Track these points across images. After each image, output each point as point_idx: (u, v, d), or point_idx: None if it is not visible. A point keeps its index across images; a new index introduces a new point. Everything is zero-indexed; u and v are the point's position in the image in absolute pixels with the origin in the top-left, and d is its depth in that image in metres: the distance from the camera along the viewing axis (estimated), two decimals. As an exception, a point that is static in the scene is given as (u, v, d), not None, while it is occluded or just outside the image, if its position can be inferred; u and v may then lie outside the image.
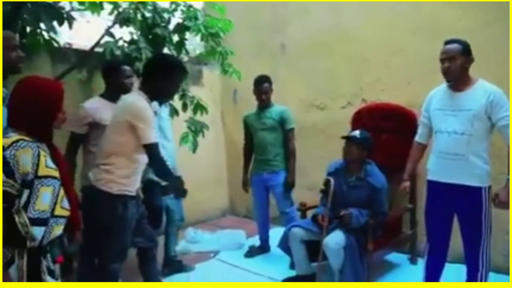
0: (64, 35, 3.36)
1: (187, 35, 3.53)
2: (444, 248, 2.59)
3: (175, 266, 3.38)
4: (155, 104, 2.70)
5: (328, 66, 4.08)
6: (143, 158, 2.34)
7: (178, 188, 2.51)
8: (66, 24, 2.76)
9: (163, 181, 2.77)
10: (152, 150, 2.26)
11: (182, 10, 3.38)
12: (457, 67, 2.34)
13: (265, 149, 3.55)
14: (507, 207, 2.29)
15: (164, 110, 3.12)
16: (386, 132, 3.38)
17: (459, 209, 2.44)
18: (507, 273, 3.10)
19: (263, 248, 3.75)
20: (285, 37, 4.45)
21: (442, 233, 2.55)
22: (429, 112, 2.56)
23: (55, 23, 2.71)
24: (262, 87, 3.54)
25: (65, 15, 2.75)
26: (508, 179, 2.28)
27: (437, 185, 2.50)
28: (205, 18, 3.32)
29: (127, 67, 2.77)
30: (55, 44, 2.97)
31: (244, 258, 3.69)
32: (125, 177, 2.28)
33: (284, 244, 3.02)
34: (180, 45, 3.39)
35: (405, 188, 2.72)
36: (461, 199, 2.40)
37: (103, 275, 2.32)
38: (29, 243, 1.54)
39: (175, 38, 3.43)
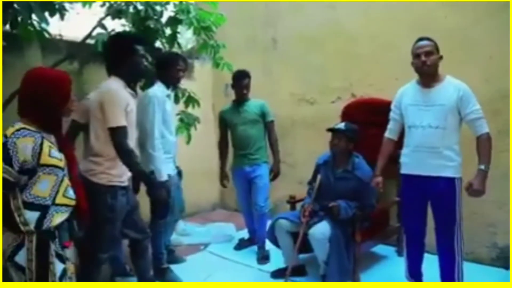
0: (59, 27, 3.36)
1: (180, 28, 3.53)
2: (421, 238, 2.68)
3: (168, 256, 3.37)
4: (160, 95, 2.90)
5: (319, 61, 4.12)
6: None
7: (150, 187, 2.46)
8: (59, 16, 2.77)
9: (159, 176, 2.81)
10: (115, 135, 2.20)
11: (174, 4, 3.38)
12: (433, 61, 2.45)
13: (247, 143, 3.55)
14: (480, 194, 2.45)
15: (169, 103, 3.06)
16: (374, 126, 3.41)
17: (434, 199, 2.54)
18: (491, 264, 3.19)
19: (252, 240, 3.78)
20: (277, 31, 4.48)
21: (419, 224, 2.64)
22: (401, 108, 2.65)
23: (46, 14, 2.70)
24: (244, 82, 3.57)
25: (57, 6, 2.75)
26: (481, 169, 2.42)
27: (412, 178, 2.58)
28: (197, 11, 3.32)
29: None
30: (47, 35, 2.95)
31: (234, 250, 3.73)
32: (113, 168, 2.29)
33: (271, 235, 3.07)
34: (173, 38, 3.39)
35: (378, 184, 2.74)
36: (436, 190, 2.49)
37: (89, 264, 2.35)
38: (22, 227, 1.58)
39: (168, 31, 3.43)
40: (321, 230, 2.79)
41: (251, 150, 3.55)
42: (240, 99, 3.61)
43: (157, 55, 3.23)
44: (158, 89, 2.98)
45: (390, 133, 2.79)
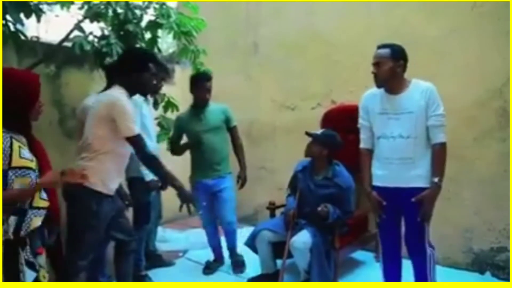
0: (38, 29, 3.30)
1: (160, 33, 3.50)
2: (398, 250, 2.59)
3: (155, 260, 3.42)
4: (137, 99, 2.78)
5: (299, 67, 4.14)
6: (121, 156, 2.34)
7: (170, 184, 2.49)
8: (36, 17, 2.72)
9: (146, 177, 2.93)
10: (136, 142, 2.27)
11: (154, 8, 3.35)
12: (383, 72, 2.33)
13: (212, 152, 3.26)
14: (427, 217, 2.35)
15: (146, 107, 3.04)
16: (354, 133, 3.44)
17: (407, 210, 2.41)
18: (467, 269, 3.24)
19: (218, 259, 3.52)
20: (258, 36, 4.49)
21: (395, 237, 2.55)
22: (369, 116, 2.49)
23: (22, 15, 2.64)
24: (208, 85, 3.27)
25: (32, 7, 2.69)
26: (434, 182, 2.30)
27: (385, 190, 2.45)
28: (177, 16, 3.30)
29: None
30: (22, 37, 2.89)
31: (210, 258, 3.54)
32: (100, 174, 2.25)
33: (251, 243, 3.04)
34: (152, 42, 3.36)
35: (380, 202, 2.48)
36: (408, 201, 2.34)
37: (67, 270, 2.28)
38: (3, 236, 1.53)
39: (148, 35, 3.40)
40: (302, 239, 2.77)
41: (216, 160, 3.27)
42: (201, 104, 3.29)
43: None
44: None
45: (365, 143, 2.58)
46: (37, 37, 3.45)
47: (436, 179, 2.30)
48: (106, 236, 2.48)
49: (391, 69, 2.32)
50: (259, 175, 4.49)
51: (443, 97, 3.13)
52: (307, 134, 3.01)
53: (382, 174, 2.45)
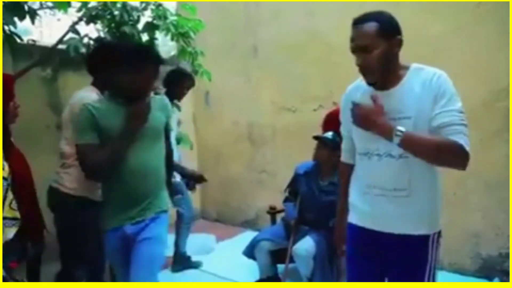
0: (43, 34, 3.27)
1: (158, 35, 3.44)
2: None
3: (184, 262, 3.43)
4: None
5: (299, 69, 4.07)
6: None
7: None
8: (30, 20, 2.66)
9: None
10: (77, 152, 1.88)
11: (152, 9, 3.29)
12: (375, 60, 1.50)
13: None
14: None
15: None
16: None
17: (394, 266, 1.63)
18: (474, 275, 3.14)
19: None
20: (258, 38, 4.42)
21: None
22: (349, 122, 1.65)
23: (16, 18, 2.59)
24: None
25: (27, 10, 2.64)
26: (397, 133, 1.46)
27: (363, 232, 1.66)
28: (175, 17, 3.24)
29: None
30: (18, 40, 2.84)
31: (210, 263, 3.53)
32: (81, 179, 2.16)
33: (249, 252, 2.95)
34: (150, 44, 3.30)
35: (342, 252, 1.87)
36: (398, 253, 1.59)
37: (64, 281, 2.21)
38: None
39: (145, 37, 3.34)
40: (305, 246, 2.69)
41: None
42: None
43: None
44: None
45: (346, 156, 1.84)
46: (34, 41, 3.41)
47: (399, 133, 1.42)
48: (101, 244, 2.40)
49: (385, 54, 1.50)
50: (260, 179, 4.42)
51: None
52: (316, 138, 2.91)
53: (360, 209, 1.68)
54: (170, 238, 3.95)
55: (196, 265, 3.51)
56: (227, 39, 4.65)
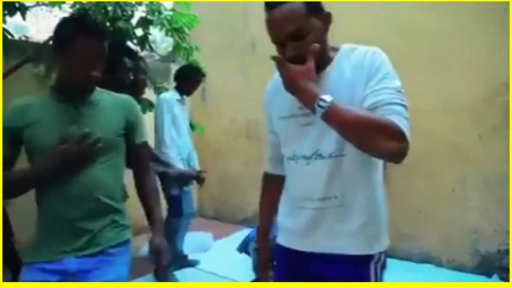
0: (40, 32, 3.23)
1: (153, 30, 3.39)
2: None
3: (181, 261, 3.38)
4: (171, 98, 3.09)
5: (297, 65, 4.02)
6: None
7: None
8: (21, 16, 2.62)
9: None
10: None
11: (146, 4, 3.24)
12: (307, 46, 1.15)
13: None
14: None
15: (178, 107, 3.20)
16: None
17: None
18: (473, 272, 3.11)
19: None
20: (256, 34, 4.37)
21: None
22: (272, 121, 1.39)
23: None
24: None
25: (17, 6, 2.60)
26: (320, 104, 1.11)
27: (292, 255, 1.35)
28: (169, 12, 3.19)
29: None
30: (9, 36, 2.80)
31: (207, 262, 3.53)
32: None
33: (244, 248, 2.91)
34: (144, 39, 3.25)
35: (263, 260, 1.59)
36: (334, 278, 1.26)
37: None
38: None
39: (139, 32, 3.29)
40: None
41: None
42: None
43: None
44: (169, 94, 3.22)
45: (270, 166, 1.52)
46: (26, 37, 3.37)
47: (323, 103, 1.08)
48: None
49: (321, 34, 1.23)
50: (258, 176, 4.36)
51: (447, 94, 3.01)
52: None
53: (287, 227, 1.37)
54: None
55: (193, 264, 3.48)
56: (224, 36, 4.60)
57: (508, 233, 2.95)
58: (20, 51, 3.16)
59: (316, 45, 1.14)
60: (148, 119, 3.14)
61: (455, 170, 3.13)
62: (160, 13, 3.10)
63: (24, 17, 2.69)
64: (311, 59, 1.14)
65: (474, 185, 3.07)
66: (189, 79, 3.34)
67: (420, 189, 3.30)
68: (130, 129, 1.55)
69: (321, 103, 1.08)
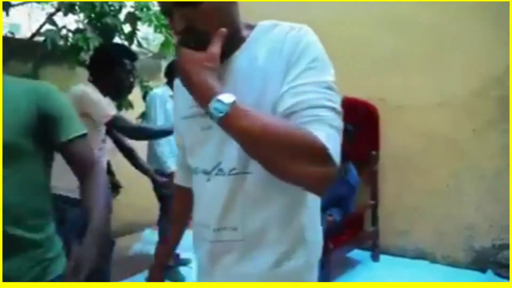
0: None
1: (146, 27, 3.33)
2: None
3: (173, 260, 3.25)
4: (164, 94, 3.01)
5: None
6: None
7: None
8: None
9: (167, 170, 2.93)
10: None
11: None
12: (208, 15, 0.82)
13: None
14: None
15: (171, 103, 3.05)
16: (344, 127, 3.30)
17: None
18: (467, 268, 3.09)
19: None
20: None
21: None
22: (177, 123, 1.09)
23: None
24: None
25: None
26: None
27: None
28: (158, 8, 3.13)
29: None
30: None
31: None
32: (59, 176, 2.07)
33: None
34: (132, 35, 3.19)
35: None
36: None
37: None
38: None
39: (127, 28, 3.23)
40: None
41: None
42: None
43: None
44: (161, 90, 3.13)
45: (180, 176, 1.20)
46: (12, 33, 3.30)
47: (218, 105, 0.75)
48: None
49: (219, 3, 0.84)
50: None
51: (441, 89, 2.97)
52: None
53: (196, 263, 1.07)
54: (154, 235, 3.91)
55: (185, 263, 3.43)
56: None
57: (502, 228, 2.93)
58: (7, 48, 3.09)
59: (224, 29, 0.82)
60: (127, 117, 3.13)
61: (450, 166, 3.10)
62: (148, 9, 3.04)
63: (7, 13, 2.62)
64: (217, 43, 0.81)
65: (468, 180, 3.05)
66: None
67: (414, 185, 3.27)
68: (50, 124, 1.13)
69: (217, 105, 0.75)
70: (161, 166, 2.96)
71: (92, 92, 2.07)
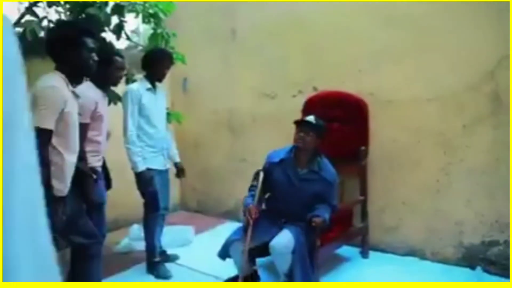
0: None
1: (131, 18, 3.24)
2: None
3: (160, 256, 3.24)
4: (138, 88, 2.95)
5: (280, 53, 3.90)
6: (67, 149, 2.08)
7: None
8: None
9: (135, 169, 2.93)
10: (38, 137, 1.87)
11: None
12: None
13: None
14: None
15: (148, 96, 3.01)
16: (337, 121, 3.25)
17: None
18: (457, 264, 3.06)
19: None
20: (237, 22, 4.24)
21: None
22: None
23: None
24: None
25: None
26: None
27: None
28: (143, -2, 3.04)
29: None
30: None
31: (187, 257, 3.43)
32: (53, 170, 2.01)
33: (224, 254, 2.75)
34: (119, 27, 3.10)
35: None
36: None
37: None
38: None
39: (115, 20, 3.14)
40: (284, 242, 2.50)
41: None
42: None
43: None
44: (136, 84, 3.04)
45: None
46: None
47: None
48: (64, 241, 2.25)
49: None
50: (240, 168, 4.27)
51: (431, 83, 2.94)
52: (297, 122, 2.70)
53: None
54: (141, 231, 3.83)
55: (172, 259, 3.38)
56: (204, 23, 4.45)
57: (492, 224, 2.90)
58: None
59: None
60: (116, 111, 3.07)
61: (440, 161, 3.07)
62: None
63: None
64: None
65: (458, 175, 3.01)
66: (157, 64, 3.05)
67: (404, 180, 3.24)
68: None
69: None
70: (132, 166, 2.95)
71: (52, 92, 1.97)
